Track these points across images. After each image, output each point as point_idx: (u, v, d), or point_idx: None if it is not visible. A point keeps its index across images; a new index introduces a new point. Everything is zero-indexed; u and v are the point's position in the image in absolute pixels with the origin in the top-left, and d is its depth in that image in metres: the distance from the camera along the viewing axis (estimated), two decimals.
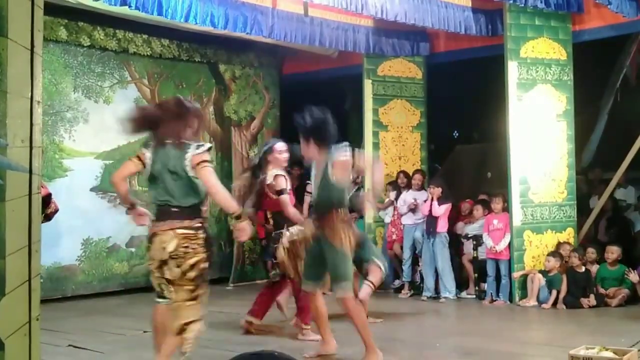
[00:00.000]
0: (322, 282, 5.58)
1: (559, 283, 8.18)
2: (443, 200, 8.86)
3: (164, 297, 4.39)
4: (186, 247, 4.14)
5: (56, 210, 5.05)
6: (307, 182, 9.47)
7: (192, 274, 4.18)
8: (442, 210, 8.80)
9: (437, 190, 8.85)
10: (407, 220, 9.23)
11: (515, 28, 8.69)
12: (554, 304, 8.14)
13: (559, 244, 8.63)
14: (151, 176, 4.31)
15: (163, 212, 4.23)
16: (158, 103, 4.59)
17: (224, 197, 4.22)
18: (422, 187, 9.35)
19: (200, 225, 4.23)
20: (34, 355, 2.99)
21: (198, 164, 4.14)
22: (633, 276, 8.08)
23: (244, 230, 4.35)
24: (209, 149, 4.26)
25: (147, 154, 4.30)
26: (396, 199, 9.48)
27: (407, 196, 9.31)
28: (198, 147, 4.20)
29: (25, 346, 2.92)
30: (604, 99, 10.28)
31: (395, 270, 9.64)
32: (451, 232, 9.18)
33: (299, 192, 9.59)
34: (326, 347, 5.68)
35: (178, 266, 4.16)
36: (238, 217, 4.33)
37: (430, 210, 8.83)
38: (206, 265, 4.25)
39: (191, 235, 4.16)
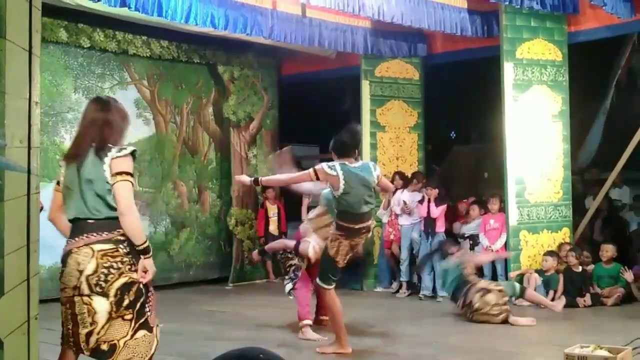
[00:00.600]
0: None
1: (555, 283, 8.24)
2: (439, 201, 8.93)
3: (70, 344, 3.48)
4: (108, 267, 3.37)
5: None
6: None
7: (126, 301, 3.40)
8: (438, 212, 8.88)
9: (434, 192, 8.92)
10: (404, 220, 9.27)
11: (511, 29, 8.77)
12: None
13: (560, 245, 8.71)
14: (65, 188, 3.60)
15: (77, 227, 3.50)
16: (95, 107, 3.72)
17: (134, 223, 3.46)
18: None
19: (122, 238, 3.46)
20: (33, 354, 2.98)
21: (116, 174, 3.44)
22: (628, 275, 8.18)
23: (148, 270, 3.50)
24: (133, 154, 3.55)
25: (62, 170, 3.64)
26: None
27: (401, 197, 9.36)
28: (120, 150, 3.52)
29: (24, 345, 2.92)
30: (601, 100, 10.35)
31: (392, 271, 9.69)
32: (448, 232, 9.25)
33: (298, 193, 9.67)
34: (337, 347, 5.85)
35: (103, 295, 3.36)
36: (144, 252, 3.49)
37: (429, 211, 8.89)
38: (139, 285, 3.47)
39: (111, 251, 3.41)
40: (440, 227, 8.94)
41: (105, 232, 3.43)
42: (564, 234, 8.89)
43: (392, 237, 9.58)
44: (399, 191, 9.48)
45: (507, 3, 8.30)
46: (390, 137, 10.19)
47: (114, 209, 3.45)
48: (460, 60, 10.23)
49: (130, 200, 3.45)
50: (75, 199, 3.51)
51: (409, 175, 9.61)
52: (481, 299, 7.20)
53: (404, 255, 9.29)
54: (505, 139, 8.68)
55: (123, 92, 9.56)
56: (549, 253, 8.46)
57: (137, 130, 9.42)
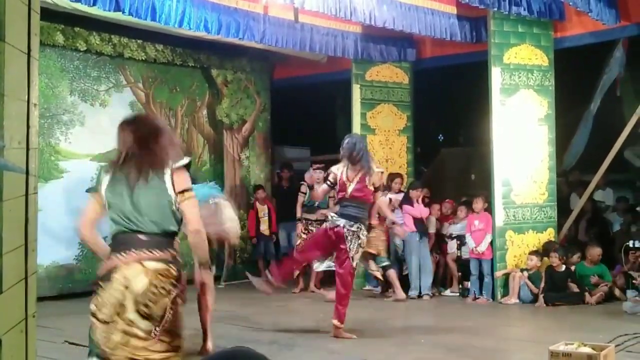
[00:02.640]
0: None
1: (538, 281, 8.44)
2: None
3: None
4: (159, 287, 3.14)
5: None
6: (301, 182, 9.72)
7: (167, 323, 3.16)
8: (427, 212, 9.05)
9: (422, 193, 9.08)
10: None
11: (499, 35, 8.95)
12: (534, 301, 8.39)
13: (545, 244, 8.87)
14: (110, 198, 3.34)
15: (125, 241, 3.24)
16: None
17: (204, 242, 3.34)
18: (400, 190, 9.51)
19: (172, 258, 3.25)
20: (30, 351, 3.02)
21: (181, 192, 3.26)
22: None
23: (207, 282, 3.47)
24: (188, 165, 3.37)
25: (105, 181, 3.37)
26: None
27: (385, 198, 9.48)
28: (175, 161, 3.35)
29: (22, 342, 2.94)
30: (586, 104, 10.50)
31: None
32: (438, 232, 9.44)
33: (291, 192, 9.81)
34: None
35: (145, 317, 3.11)
36: (204, 264, 3.43)
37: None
38: (179, 307, 3.25)
39: (164, 271, 3.18)
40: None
41: (157, 250, 3.20)
42: (549, 234, 9.06)
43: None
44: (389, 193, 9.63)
45: (495, 9, 8.43)
46: (380, 140, 10.35)
47: (170, 226, 3.27)
48: (449, 64, 10.42)
49: (199, 217, 3.31)
50: (125, 211, 3.26)
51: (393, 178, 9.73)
52: None
53: (393, 257, 9.43)
54: (493, 142, 8.84)
55: (118, 94, 9.69)
56: (533, 252, 8.64)
57: None
